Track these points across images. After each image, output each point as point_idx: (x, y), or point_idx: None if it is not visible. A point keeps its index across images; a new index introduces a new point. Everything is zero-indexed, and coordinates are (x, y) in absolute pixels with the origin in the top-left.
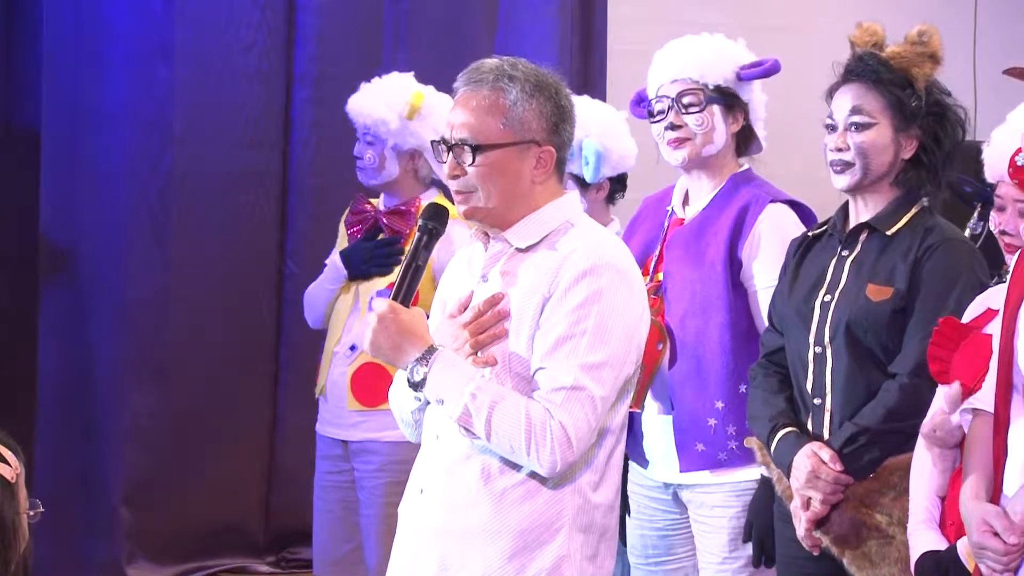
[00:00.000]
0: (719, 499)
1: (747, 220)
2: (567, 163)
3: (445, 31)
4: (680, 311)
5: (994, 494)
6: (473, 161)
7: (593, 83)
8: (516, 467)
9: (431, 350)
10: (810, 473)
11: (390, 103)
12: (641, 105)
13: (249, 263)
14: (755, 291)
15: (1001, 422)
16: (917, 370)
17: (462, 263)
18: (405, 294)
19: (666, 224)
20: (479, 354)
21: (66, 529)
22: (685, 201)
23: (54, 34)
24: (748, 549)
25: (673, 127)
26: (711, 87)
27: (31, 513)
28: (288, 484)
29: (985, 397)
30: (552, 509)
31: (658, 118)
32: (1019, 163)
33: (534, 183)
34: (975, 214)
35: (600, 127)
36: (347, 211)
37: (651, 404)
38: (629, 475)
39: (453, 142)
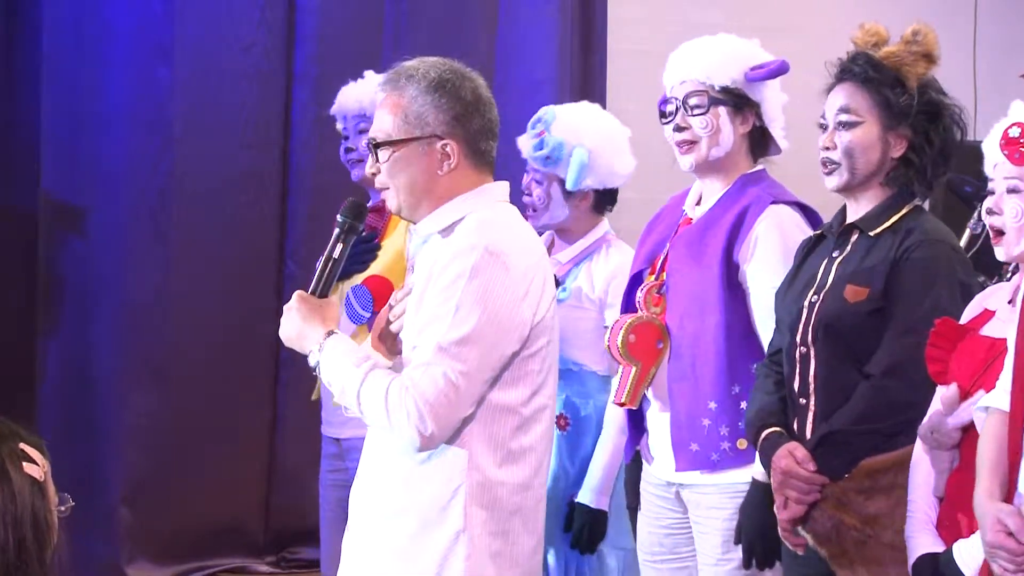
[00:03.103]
0: (713, 500)
1: (745, 221)
2: (489, 153)
3: (445, 31)
4: (679, 311)
5: (1008, 493)
6: (380, 158)
7: (593, 83)
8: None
9: (327, 335)
10: (785, 473)
11: None
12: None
13: (249, 263)
14: (752, 293)
15: (1017, 420)
16: (890, 371)
17: None
18: (323, 286)
19: (679, 224)
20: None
21: (66, 529)
22: (699, 202)
23: (54, 34)
24: (741, 551)
25: (679, 129)
26: (717, 88)
27: (61, 508)
28: (288, 484)
29: (999, 395)
30: (449, 485)
31: (668, 119)
32: (1011, 135)
33: (440, 176)
34: (975, 214)
35: (594, 139)
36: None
37: (655, 403)
38: (642, 472)
39: (368, 142)
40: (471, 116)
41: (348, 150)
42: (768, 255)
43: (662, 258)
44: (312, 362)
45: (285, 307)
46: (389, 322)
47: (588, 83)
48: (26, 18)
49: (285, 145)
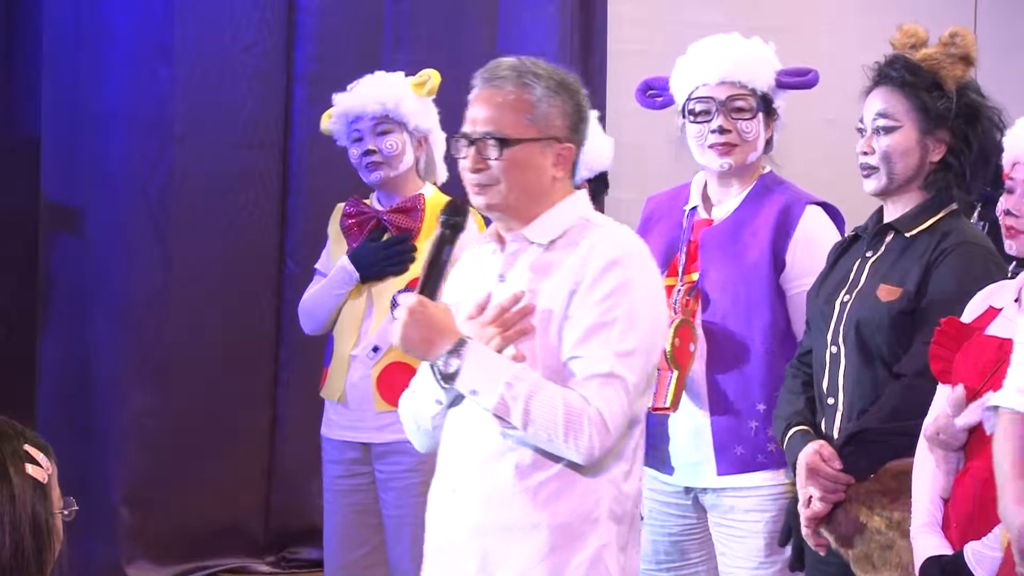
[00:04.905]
0: (753, 503)
1: (790, 222)
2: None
3: (445, 31)
4: (720, 313)
5: None
6: (500, 155)
7: (593, 83)
8: (550, 461)
9: (462, 342)
10: (810, 470)
11: (402, 84)
12: (648, 95)
13: (249, 263)
14: (797, 293)
15: None
16: (922, 371)
17: (471, 265)
18: (431, 290)
19: (685, 224)
20: (506, 352)
21: (66, 529)
22: (704, 201)
23: (54, 34)
24: (784, 553)
25: (722, 131)
26: (759, 93)
27: (65, 512)
28: (288, 484)
29: (1010, 395)
30: (589, 499)
31: (701, 119)
32: None
33: (555, 180)
34: (975, 214)
35: None
36: (338, 215)
37: (686, 407)
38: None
39: (476, 136)
40: (583, 124)
41: (369, 151)
42: (814, 256)
43: (682, 260)
44: (450, 368)
45: (403, 311)
46: (506, 330)
47: (588, 83)
48: (26, 18)
49: (285, 145)
